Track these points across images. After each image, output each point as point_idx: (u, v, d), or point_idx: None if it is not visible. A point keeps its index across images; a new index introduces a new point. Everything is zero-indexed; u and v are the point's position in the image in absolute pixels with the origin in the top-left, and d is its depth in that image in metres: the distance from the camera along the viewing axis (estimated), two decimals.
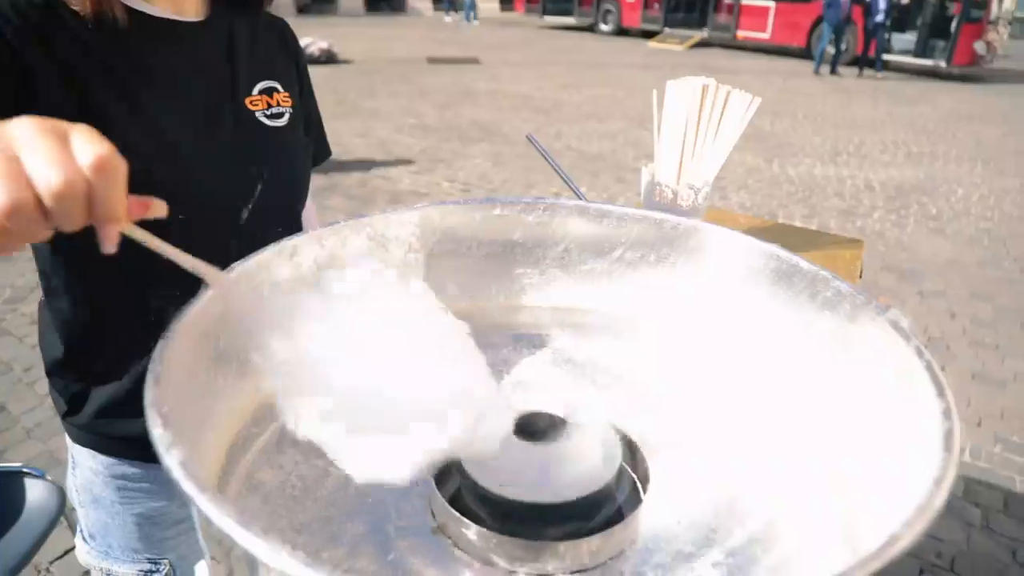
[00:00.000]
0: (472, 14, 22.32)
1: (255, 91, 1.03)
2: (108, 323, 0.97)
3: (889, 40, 14.19)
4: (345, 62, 12.59)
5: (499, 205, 0.85)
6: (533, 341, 0.86)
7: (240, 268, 0.67)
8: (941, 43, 14.18)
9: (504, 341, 0.86)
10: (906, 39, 14.66)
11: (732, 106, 1.37)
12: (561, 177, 1.14)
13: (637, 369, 0.82)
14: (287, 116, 1.06)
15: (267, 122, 1.03)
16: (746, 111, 1.36)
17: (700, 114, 1.38)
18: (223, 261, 0.65)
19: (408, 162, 6.76)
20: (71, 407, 1.02)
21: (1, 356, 3.37)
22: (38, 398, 3.02)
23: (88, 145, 0.49)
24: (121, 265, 0.91)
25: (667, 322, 0.84)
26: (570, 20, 21.34)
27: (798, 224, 5.37)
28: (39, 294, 1.01)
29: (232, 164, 0.98)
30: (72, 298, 0.96)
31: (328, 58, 12.40)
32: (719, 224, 0.83)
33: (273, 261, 0.71)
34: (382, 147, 7.20)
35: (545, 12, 21.87)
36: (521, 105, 9.53)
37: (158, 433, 0.45)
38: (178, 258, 0.56)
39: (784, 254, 0.75)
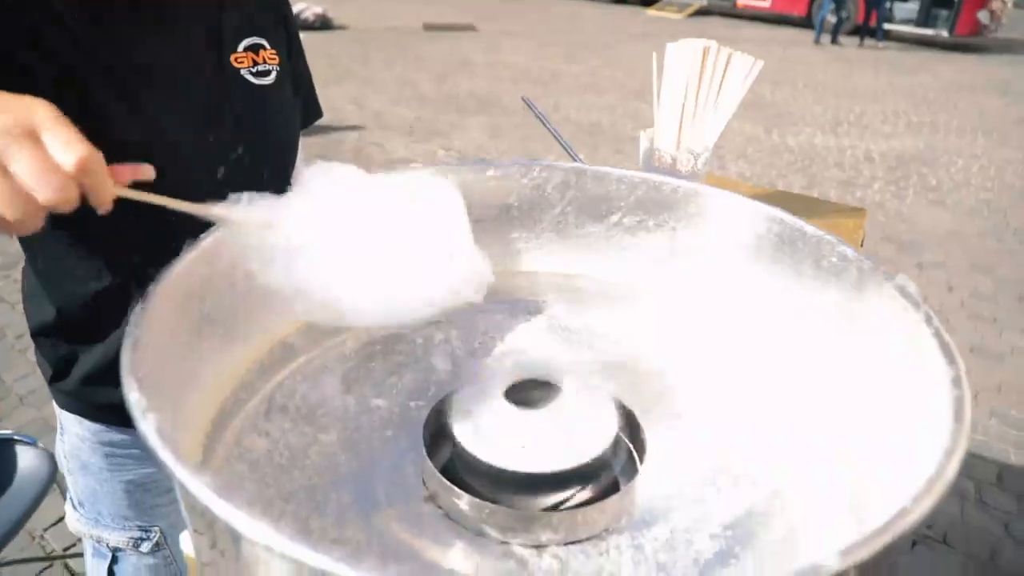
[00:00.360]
0: None
1: (240, 48, 1.00)
2: (97, 285, 0.94)
3: (891, 9, 13.99)
4: (340, 28, 12.39)
5: (493, 167, 0.83)
6: (529, 307, 0.84)
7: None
8: (944, 12, 13.98)
9: (499, 307, 0.84)
10: (908, 8, 14.44)
11: (733, 69, 1.34)
12: (558, 140, 1.11)
13: (635, 337, 0.80)
14: (274, 74, 1.03)
15: (253, 80, 1.00)
16: (748, 74, 1.33)
17: (701, 78, 1.34)
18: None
19: (403, 131, 6.68)
20: (57, 372, 1.00)
21: None
22: (31, 365, 3.01)
23: (67, 150, 0.51)
24: (111, 226, 0.89)
25: (667, 289, 0.82)
26: None
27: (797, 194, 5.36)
28: None
29: (216, 128, 0.95)
30: (59, 260, 0.94)
31: (323, 24, 12.19)
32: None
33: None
34: (377, 116, 7.11)
35: None
36: (519, 76, 9.40)
37: (134, 398, 0.44)
38: (178, 206, 0.59)
39: (788, 218, 0.73)
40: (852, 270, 0.66)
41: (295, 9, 1.47)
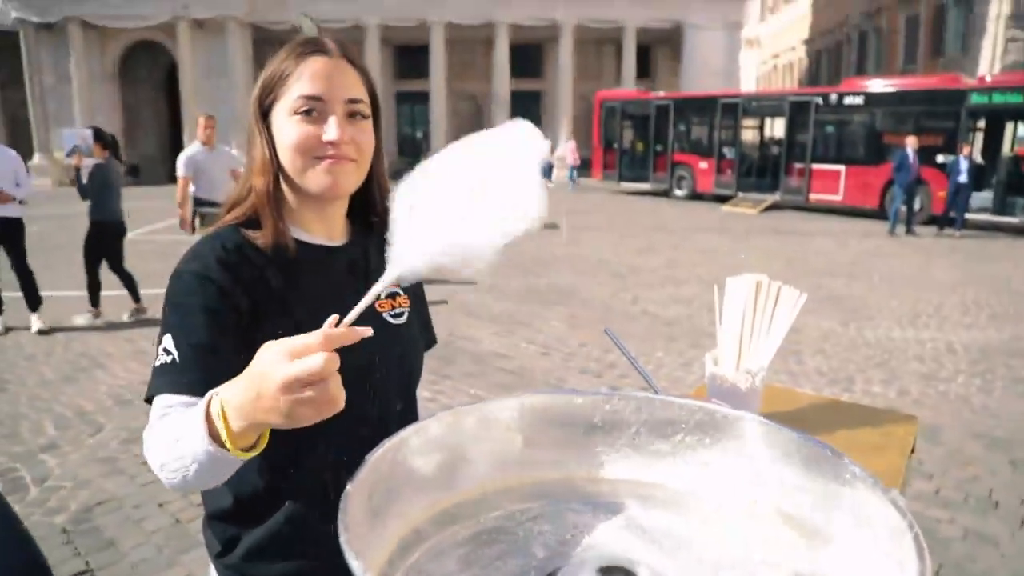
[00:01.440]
0: (574, 180, 24.48)
1: (382, 296, 1.29)
2: (267, 479, 1.17)
3: (967, 199, 14.22)
4: None
5: (581, 396, 1.07)
6: (609, 508, 1.05)
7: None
8: (1020, 200, 14.17)
9: (586, 508, 1.05)
10: (982, 197, 14.67)
11: (783, 300, 1.59)
12: (637, 370, 1.35)
13: (697, 536, 0.99)
14: (405, 315, 1.32)
15: (391, 320, 1.29)
16: (795, 305, 1.57)
17: (755, 308, 1.59)
18: (359, 443, 0.89)
19: (490, 321, 7.13)
20: (224, 549, 1.22)
21: (114, 493, 3.65)
22: (145, 535, 3.23)
23: (311, 337, 0.78)
24: (288, 436, 1.15)
25: (721, 495, 1.02)
26: (645, 186, 22.29)
27: (877, 389, 5.36)
28: None
29: (366, 374, 1.20)
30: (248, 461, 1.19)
31: None
32: (780, 399, 1.02)
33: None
34: (465, 309, 7.63)
35: (622, 179, 22.96)
36: (598, 270, 9.91)
37: (356, 564, 0.67)
38: (373, 293, 0.89)
39: (812, 442, 0.94)
40: (860, 484, 0.86)
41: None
